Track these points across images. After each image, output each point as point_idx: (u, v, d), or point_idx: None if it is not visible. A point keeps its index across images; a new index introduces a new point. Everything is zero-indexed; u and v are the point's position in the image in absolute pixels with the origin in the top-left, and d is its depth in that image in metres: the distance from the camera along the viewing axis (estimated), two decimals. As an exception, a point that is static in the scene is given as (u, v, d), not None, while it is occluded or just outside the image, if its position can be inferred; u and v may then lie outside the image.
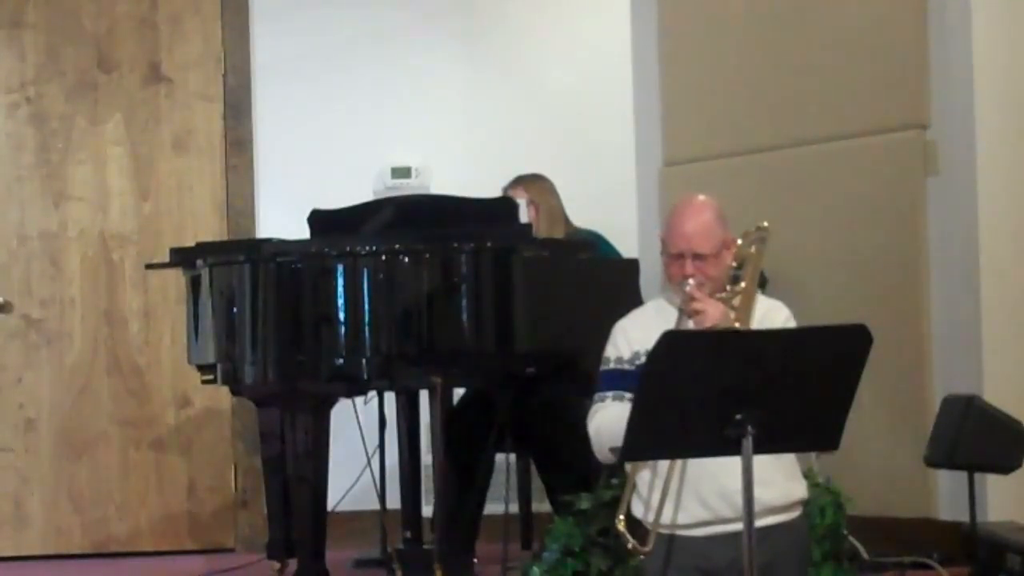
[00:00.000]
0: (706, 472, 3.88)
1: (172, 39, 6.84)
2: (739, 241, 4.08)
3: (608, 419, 3.95)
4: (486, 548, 5.69)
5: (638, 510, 4.03)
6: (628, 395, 3.87)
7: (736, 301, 4.01)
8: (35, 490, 6.68)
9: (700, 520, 3.94)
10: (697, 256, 4.00)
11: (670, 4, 6.37)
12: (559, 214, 5.99)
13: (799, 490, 4.06)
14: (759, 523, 3.60)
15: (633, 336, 4.05)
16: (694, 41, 6.27)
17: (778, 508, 3.95)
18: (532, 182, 5.98)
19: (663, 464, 3.93)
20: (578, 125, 6.89)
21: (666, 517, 3.93)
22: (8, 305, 6.65)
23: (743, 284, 4.04)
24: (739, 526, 3.58)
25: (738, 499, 3.56)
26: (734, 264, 4.08)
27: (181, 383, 6.68)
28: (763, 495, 3.71)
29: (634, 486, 4.00)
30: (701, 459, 3.83)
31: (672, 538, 3.96)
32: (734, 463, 3.51)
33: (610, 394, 4.02)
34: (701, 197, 4.12)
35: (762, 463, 3.61)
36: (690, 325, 3.94)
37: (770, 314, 4.05)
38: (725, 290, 4.04)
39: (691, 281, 3.98)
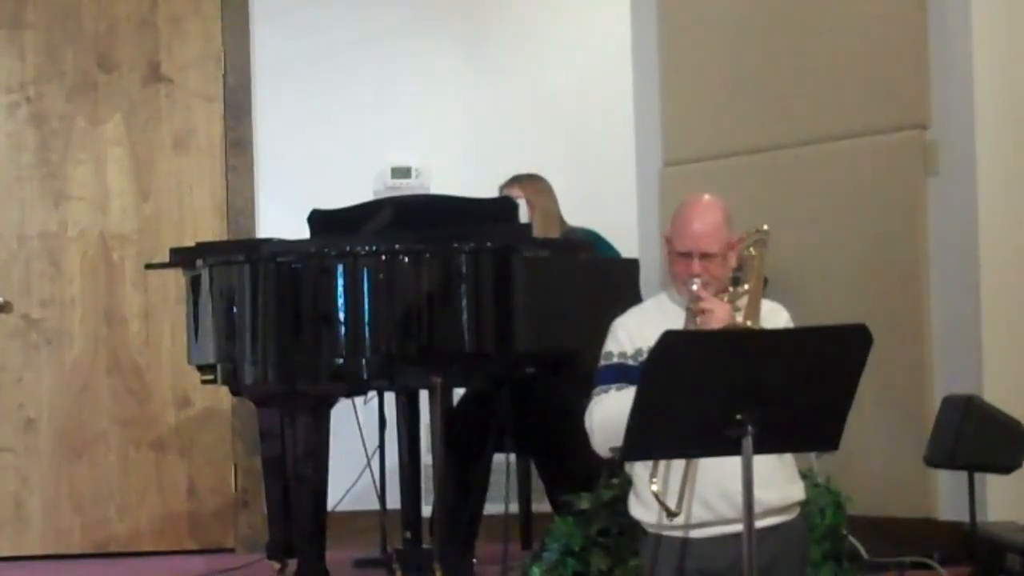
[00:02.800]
0: (709, 474, 3.87)
1: (172, 39, 6.84)
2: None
3: (612, 404, 3.88)
4: (486, 548, 5.69)
5: (638, 512, 4.03)
6: (632, 386, 3.84)
7: (740, 302, 4.01)
8: (35, 490, 6.68)
9: (701, 521, 3.93)
10: (704, 255, 3.97)
11: (670, 4, 6.37)
12: (554, 214, 5.98)
13: (798, 492, 4.05)
14: (760, 524, 3.60)
15: (635, 332, 4.02)
16: (694, 41, 6.27)
17: (778, 509, 3.95)
18: (528, 182, 5.97)
19: (676, 468, 3.91)
20: (578, 125, 6.89)
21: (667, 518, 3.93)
22: (8, 305, 6.65)
23: (747, 285, 4.03)
24: (740, 527, 3.58)
25: (740, 500, 3.55)
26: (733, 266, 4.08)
27: (181, 383, 6.68)
28: (764, 496, 3.71)
29: (655, 465, 3.89)
30: (703, 461, 3.83)
31: (686, 541, 3.94)
32: (736, 464, 3.51)
33: (613, 386, 3.98)
34: (708, 196, 4.08)
35: (764, 464, 3.62)
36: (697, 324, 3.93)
37: (771, 316, 4.03)
38: (727, 291, 4.03)
39: (696, 281, 3.96)
